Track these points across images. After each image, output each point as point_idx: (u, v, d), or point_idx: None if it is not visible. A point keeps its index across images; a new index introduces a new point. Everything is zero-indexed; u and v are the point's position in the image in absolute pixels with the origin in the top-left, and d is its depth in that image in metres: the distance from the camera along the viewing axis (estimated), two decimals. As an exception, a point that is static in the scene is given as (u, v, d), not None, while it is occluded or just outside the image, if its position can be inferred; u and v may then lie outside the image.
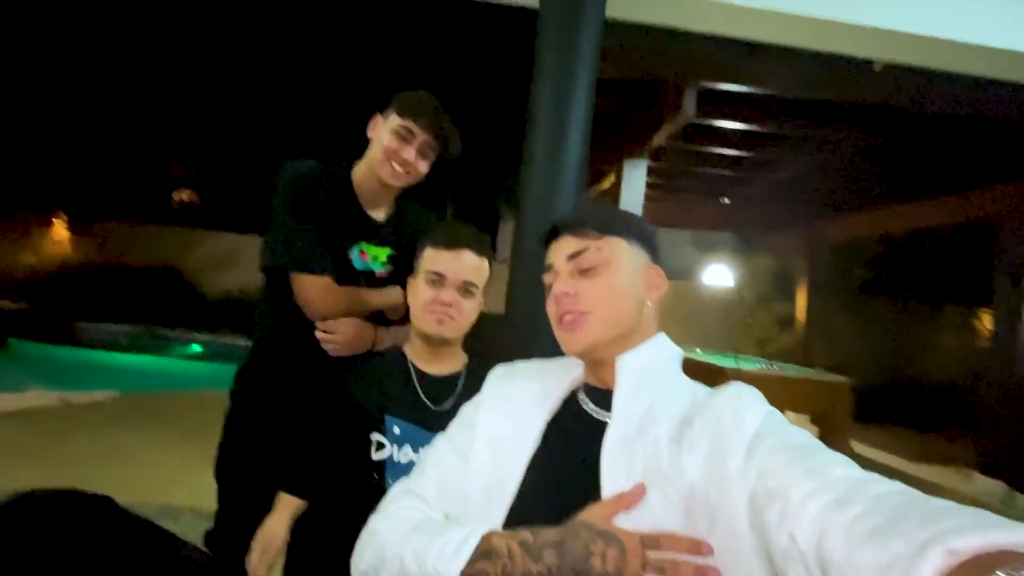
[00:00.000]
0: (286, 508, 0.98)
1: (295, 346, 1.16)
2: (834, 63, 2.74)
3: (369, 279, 1.22)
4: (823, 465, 0.50)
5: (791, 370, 5.00)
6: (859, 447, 5.05)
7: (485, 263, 1.02)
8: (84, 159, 8.56)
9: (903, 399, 6.99)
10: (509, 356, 1.52)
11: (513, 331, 1.65)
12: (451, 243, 0.98)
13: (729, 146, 4.12)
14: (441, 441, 0.77)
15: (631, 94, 3.62)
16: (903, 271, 7.32)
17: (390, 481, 0.94)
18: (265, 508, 0.99)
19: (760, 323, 7.73)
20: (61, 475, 2.63)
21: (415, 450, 0.95)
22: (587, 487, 0.60)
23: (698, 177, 5.07)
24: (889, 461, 4.91)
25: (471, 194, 8.41)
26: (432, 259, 0.99)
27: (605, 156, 4.57)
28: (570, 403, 0.71)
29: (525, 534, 0.57)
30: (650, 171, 4.60)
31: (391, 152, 1.14)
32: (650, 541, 0.53)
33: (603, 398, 0.67)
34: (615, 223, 0.71)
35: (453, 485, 0.70)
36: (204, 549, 0.75)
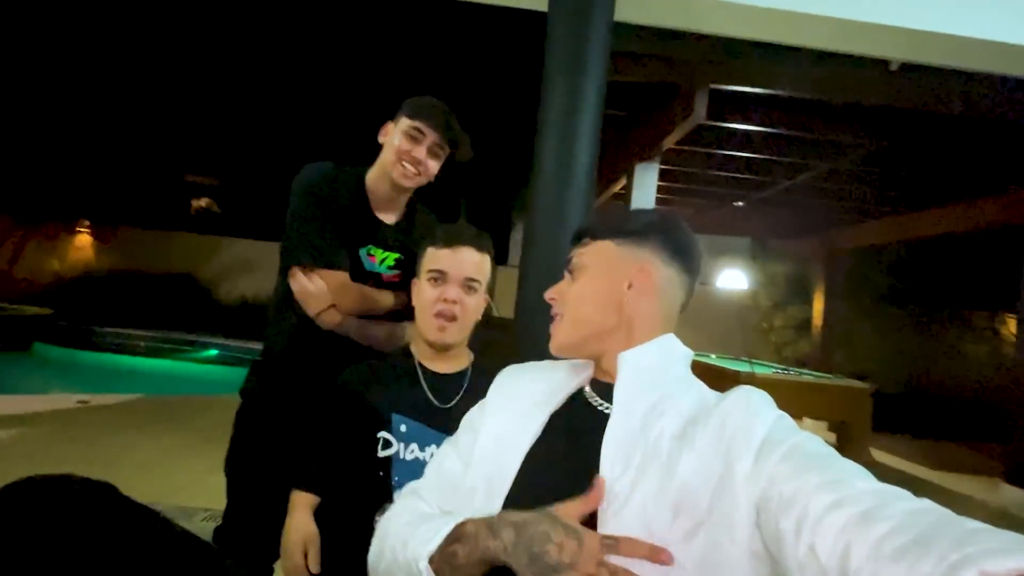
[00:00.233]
0: (304, 504, 0.99)
1: (308, 345, 1.18)
2: (849, 63, 2.71)
3: (376, 282, 1.23)
4: (844, 476, 0.48)
5: (808, 376, 4.91)
6: (879, 455, 4.93)
7: (486, 260, 1.03)
8: (107, 169, 8.80)
9: (926, 407, 6.82)
10: (520, 360, 1.54)
11: (523, 335, 1.65)
12: (451, 241, 1.00)
13: (743, 149, 4.09)
14: (446, 444, 0.79)
15: (643, 97, 3.62)
16: (926, 277, 7.17)
17: (396, 479, 0.94)
18: (273, 503, 1.00)
19: (777, 328, 7.62)
20: (81, 475, 2.68)
21: (421, 448, 0.95)
22: (587, 477, 0.59)
23: (712, 181, 5.03)
24: (911, 470, 4.79)
25: (485, 201, 8.46)
26: (433, 258, 1.00)
27: (617, 159, 4.56)
28: (576, 397, 0.72)
29: (493, 516, 0.59)
30: (663, 174, 4.58)
31: (402, 152, 1.18)
32: (609, 542, 0.53)
33: (608, 391, 0.67)
34: (604, 227, 0.73)
35: (453, 484, 0.72)
36: (216, 548, 0.75)
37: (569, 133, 1.70)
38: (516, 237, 8.30)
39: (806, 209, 5.76)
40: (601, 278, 0.70)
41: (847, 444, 4.32)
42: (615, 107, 3.69)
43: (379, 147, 1.24)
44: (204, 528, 1.23)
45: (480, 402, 0.79)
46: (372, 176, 1.24)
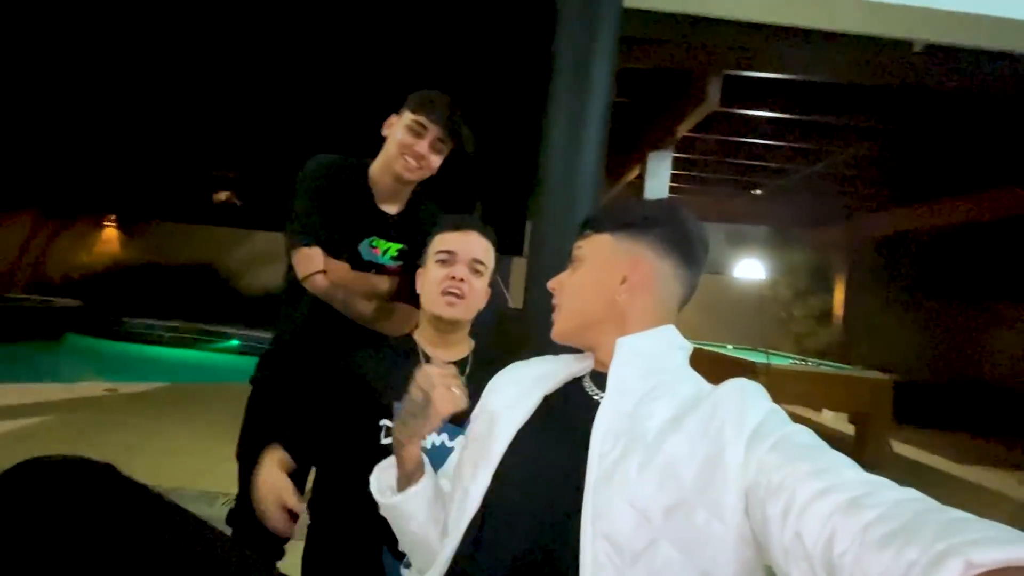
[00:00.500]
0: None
1: (316, 335, 1.21)
2: (870, 45, 2.63)
3: (379, 272, 1.25)
4: (832, 465, 0.49)
5: (827, 367, 4.83)
6: (902, 448, 4.84)
7: (491, 248, 1.06)
8: (133, 164, 9.02)
9: (951, 400, 6.65)
10: (531, 347, 1.55)
11: (532, 323, 1.66)
12: (458, 225, 1.04)
13: (759, 136, 4.01)
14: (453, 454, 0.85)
15: (656, 85, 3.57)
16: (953, 266, 6.95)
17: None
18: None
19: (796, 319, 7.49)
20: (109, 459, 2.79)
21: (422, 436, 0.97)
22: (575, 458, 0.61)
23: (728, 168, 4.94)
24: (935, 463, 4.69)
25: (500, 191, 8.44)
26: (441, 241, 1.04)
27: (630, 148, 4.51)
28: (574, 385, 0.73)
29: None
30: (678, 163, 4.52)
31: (405, 146, 1.19)
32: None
33: (605, 381, 0.68)
34: (603, 219, 0.73)
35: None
36: (213, 526, 0.78)
37: (578, 121, 1.69)
38: (531, 228, 8.27)
39: (826, 196, 5.62)
40: (596, 270, 0.71)
41: (867, 436, 4.25)
42: (627, 95, 3.64)
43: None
44: (225, 512, 1.28)
45: (485, 389, 0.81)
46: (376, 168, 1.25)
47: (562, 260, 1.58)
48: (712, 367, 4.54)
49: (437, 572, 0.65)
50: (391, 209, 1.27)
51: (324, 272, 1.17)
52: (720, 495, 0.52)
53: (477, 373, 0.99)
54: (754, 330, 6.83)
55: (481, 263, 1.03)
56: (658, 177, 3.88)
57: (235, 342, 7.51)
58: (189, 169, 9.73)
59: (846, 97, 3.42)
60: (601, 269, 0.70)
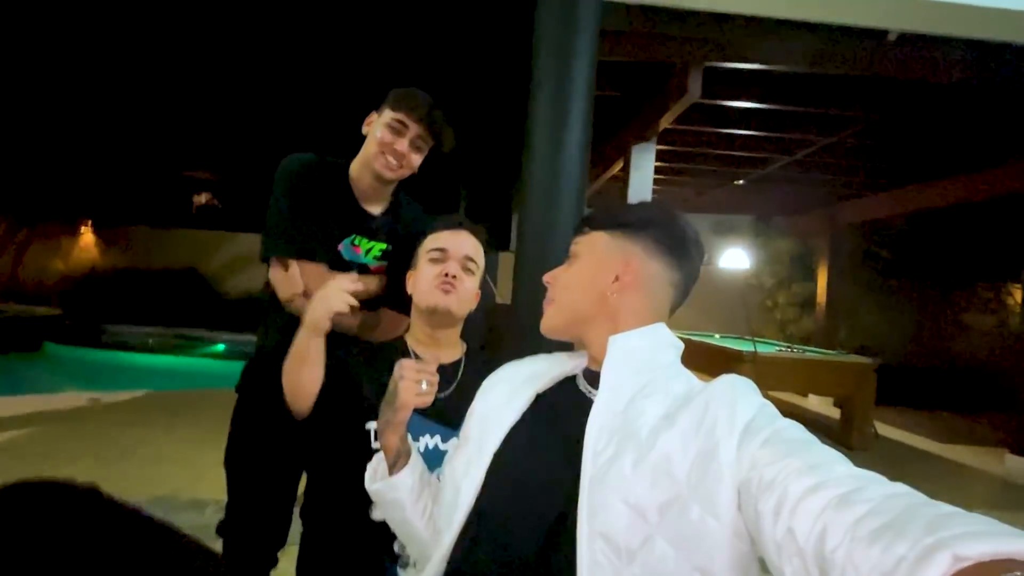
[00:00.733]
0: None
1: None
2: (846, 35, 2.66)
3: (362, 272, 1.23)
4: (823, 461, 0.49)
5: (812, 353, 4.91)
6: (884, 428, 4.95)
7: (481, 247, 1.08)
8: (107, 168, 8.80)
9: (931, 380, 6.82)
10: (518, 342, 1.54)
11: (520, 318, 1.66)
12: (450, 225, 1.06)
13: (740, 127, 4.04)
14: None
15: (637, 77, 3.57)
16: (930, 250, 7.11)
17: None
18: (273, 496, 1.02)
19: (781, 306, 7.60)
20: (94, 471, 2.74)
21: (415, 438, 0.96)
22: (569, 457, 0.61)
23: (711, 160, 4.98)
24: (915, 442, 4.81)
25: (485, 187, 8.41)
26: (434, 240, 1.05)
27: (613, 141, 4.52)
28: (567, 383, 0.74)
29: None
30: (662, 155, 4.54)
31: (384, 144, 1.17)
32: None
33: (598, 380, 0.68)
34: (600, 218, 0.74)
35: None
36: (197, 539, 0.76)
37: (561, 114, 1.68)
38: (517, 222, 8.26)
39: (808, 185, 5.70)
40: (589, 268, 0.72)
41: (851, 419, 4.34)
42: (609, 88, 3.65)
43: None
44: (216, 520, 1.26)
45: (478, 390, 0.82)
46: (355, 167, 1.24)
47: (549, 254, 1.59)
48: (700, 357, 4.60)
49: (432, 571, 0.65)
50: (374, 209, 1.25)
51: (304, 294, 1.16)
52: (714, 491, 0.53)
53: (470, 375, 0.99)
54: (740, 319, 6.91)
55: (473, 261, 1.04)
56: (642, 169, 3.90)
57: (220, 346, 7.41)
58: (166, 172, 9.52)
59: (824, 87, 3.47)
60: (594, 266, 0.71)
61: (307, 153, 1.24)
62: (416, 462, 0.78)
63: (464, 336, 1.10)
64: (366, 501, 0.91)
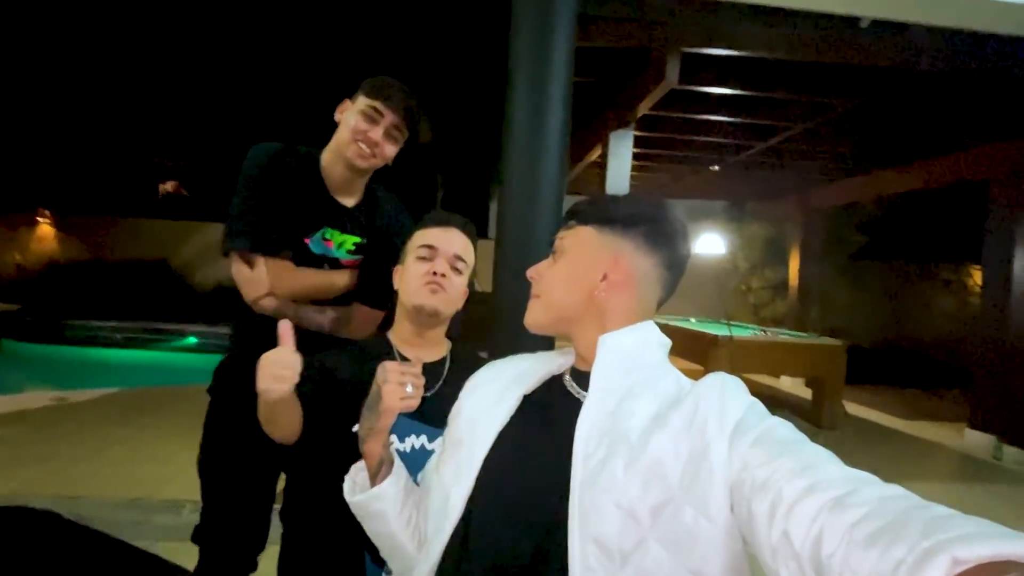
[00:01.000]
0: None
1: (273, 342, 1.14)
2: (820, 22, 2.69)
3: (334, 266, 1.19)
4: (816, 462, 0.49)
5: (786, 336, 5.04)
6: (853, 407, 5.13)
7: (471, 246, 1.05)
8: (64, 155, 8.40)
9: (897, 360, 7.09)
10: (499, 331, 1.54)
11: (500, 307, 1.65)
12: (440, 222, 1.03)
13: (717, 113, 4.07)
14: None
15: (614, 64, 3.55)
16: (896, 234, 7.35)
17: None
18: (250, 501, 0.99)
19: (755, 290, 7.77)
20: (62, 475, 2.65)
21: (401, 439, 0.94)
22: (559, 460, 0.60)
23: (688, 146, 5.01)
24: (882, 420, 5.01)
25: (463, 175, 8.33)
26: (422, 237, 1.02)
27: (591, 128, 4.51)
28: (554, 383, 0.72)
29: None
30: (639, 141, 4.55)
31: (358, 132, 1.13)
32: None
33: (587, 380, 0.67)
34: (589, 211, 0.72)
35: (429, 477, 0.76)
36: (161, 557, 0.73)
37: (539, 101, 1.66)
38: (495, 210, 8.23)
39: (782, 171, 5.79)
40: (577, 265, 0.70)
41: (822, 399, 4.49)
42: (587, 74, 3.62)
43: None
44: (193, 520, 1.23)
45: (461, 391, 0.80)
46: (327, 157, 1.19)
47: (529, 242, 1.57)
48: (678, 341, 4.64)
49: None
50: (347, 200, 1.21)
51: (270, 294, 1.12)
52: (706, 492, 0.52)
53: (455, 374, 0.98)
54: (715, 303, 7.04)
55: (461, 260, 1.02)
56: (620, 156, 3.90)
57: (192, 339, 7.21)
58: (129, 159, 9.14)
59: (799, 74, 3.51)
60: (582, 264, 0.69)
61: (274, 142, 1.19)
62: (399, 470, 0.76)
63: (448, 335, 1.09)
64: (344, 507, 0.89)
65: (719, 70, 3.45)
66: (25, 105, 7.42)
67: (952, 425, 4.76)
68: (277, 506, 1.19)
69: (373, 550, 0.80)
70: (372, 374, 0.98)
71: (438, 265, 0.99)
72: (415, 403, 0.74)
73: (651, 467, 0.55)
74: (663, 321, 5.04)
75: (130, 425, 3.50)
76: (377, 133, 1.14)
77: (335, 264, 1.19)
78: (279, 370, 0.79)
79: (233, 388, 1.19)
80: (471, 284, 1.07)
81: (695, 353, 4.47)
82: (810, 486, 0.46)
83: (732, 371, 0.64)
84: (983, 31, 2.73)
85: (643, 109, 3.55)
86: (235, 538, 1.06)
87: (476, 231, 1.08)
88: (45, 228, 8.79)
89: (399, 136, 1.18)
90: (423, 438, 0.95)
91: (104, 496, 2.39)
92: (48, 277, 8.42)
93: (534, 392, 0.72)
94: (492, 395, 0.72)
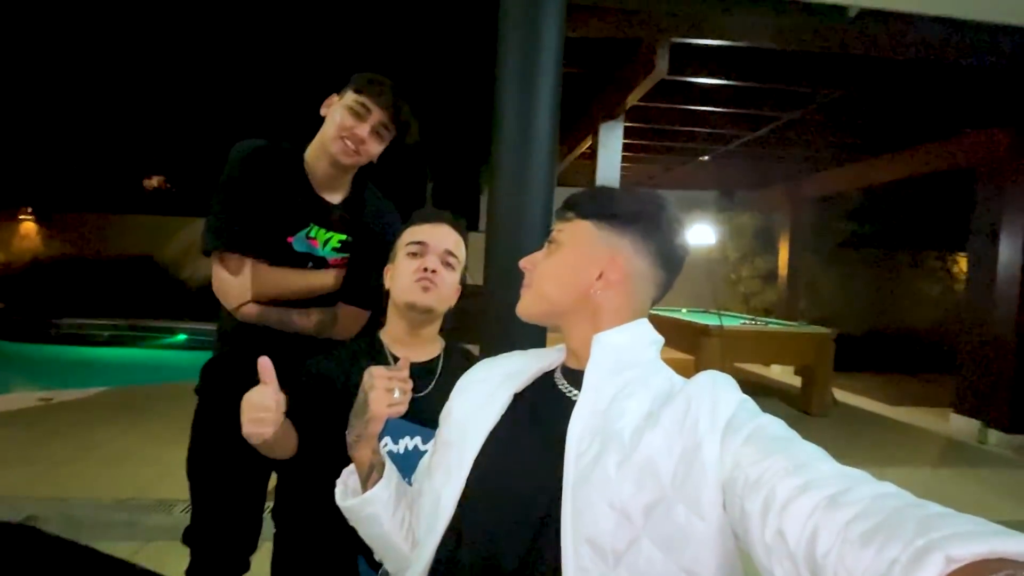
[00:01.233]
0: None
1: (260, 338, 1.12)
2: (807, 12, 2.69)
3: (319, 265, 1.17)
4: (808, 459, 0.49)
5: (775, 325, 5.09)
6: (841, 394, 5.21)
7: (462, 241, 1.04)
8: (46, 152, 8.24)
9: (884, 346, 7.19)
10: (490, 325, 1.53)
11: (491, 300, 1.64)
12: (431, 218, 1.02)
13: (706, 103, 4.07)
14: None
15: (604, 54, 3.53)
16: (883, 222, 7.42)
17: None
18: (241, 502, 0.98)
19: (744, 279, 7.83)
20: (50, 476, 2.62)
21: (395, 441, 0.94)
22: (551, 460, 0.60)
23: (677, 136, 5.01)
24: (869, 406, 5.08)
25: (453, 168, 8.27)
26: (413, 233, 1.01)
27: (581, 119, 4.49)
28: (545, 381, 0.72)
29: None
30: (629, 132, 4.54)
31: (344, 128, 1.11)
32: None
33: (577, 377, 0.67)
34: (588, 205, 0.70)
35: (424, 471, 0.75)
36: (145, 568, 0.72)
37: (529, 92, 1.64)
38: (485, 203, 8.20)
39: (771, 160, 5.82)
40: (573, 260, 0.68)
41: (811, 386, 4.54)
42: (576, 65, 3.60)
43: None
44: (184, 520, 1.21)
45: (452, 392, 0.79)
46: (311, 153, 1.17)
47: (519, 235, 1.56)
48: (669, 332, 4.69)
49: None
50: (332, 197, 1.19)
51: (252, 301, 1.10)
52: (698, 491, 0.52)
53: (448, 373, 0.97)
54: (706, 292, 7.09)
55: (453, 255, 1.01)
56: (610, 147, 3.89)
57: (181, 336, 7.14)
58: (113, 155, 8.98)
59: (788, 64, 3.51)
60: (578, 260, 0.68)
61: (257, 139, 1.17)
62: (391, 473, 0.75)
63: (441, 332, 1.08)
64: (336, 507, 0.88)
65: (709, 60, 3.44)
66: (7, 102, 7.24)
67: (938, 410, 4.84)
68: (270, 504, 1.18)
69: (368, 552, 0.79)
70: (362, 375, 0.97)
71: (429, 261, 0.98)
72: (403, 409, 0.73)
73: (643, 466, 0.55)
74: (653, 312, 5.05)
75: (119, 424, 3.46)
76: (364, 130, 1.12)
77: (320, 263, 1.17)
78: (260, 413, 0.77)
79: (221, 387, 1.17)
80: (462, 278, 1.06)
81: (686, 343, 4.50)
82: (803, 484, 0.46)
83: (723, 360, 0.64)
84: (969, 20, 2.74)
85: (633, 100, 3.53)
86: (226, 539, 1.05)
87: (467, 225, 1.07)
88: (28, 225, 8.63)
89: (386, 134, 1.15)
90: (417, 439, 0.94)
91: (93, 497, 2.37)
92: (32, 275, 8.28)
93: (525, 391, 0.71)
94: (483, 394, 0.72)
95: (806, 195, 6.72)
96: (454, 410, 0.74)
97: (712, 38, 2.88)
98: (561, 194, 0.87)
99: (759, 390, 5.43)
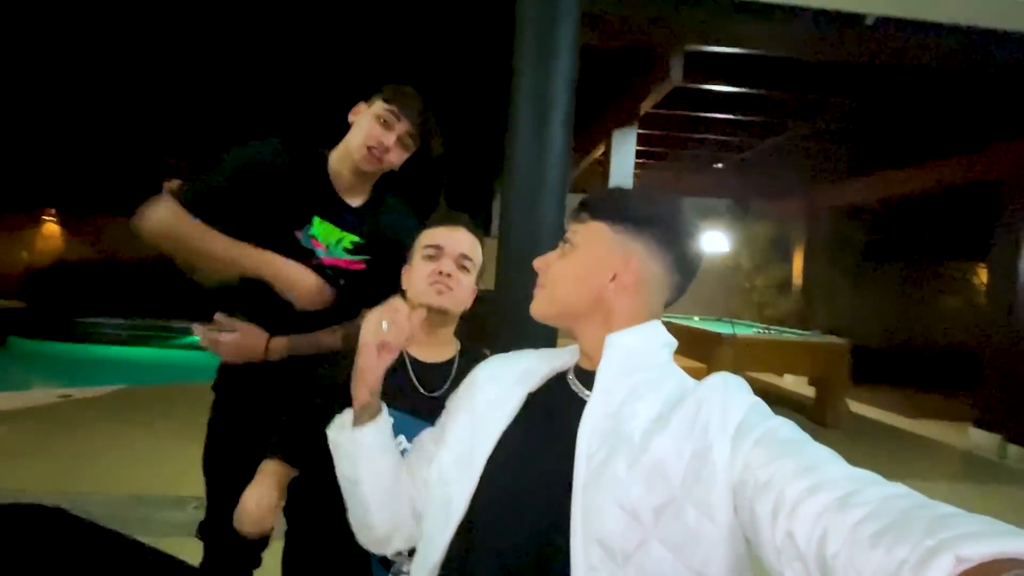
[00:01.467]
0: (273, 473, 0.98)
1: (271, 329, 1.15)
2: (824, 20, 2.67)
3: (335, 271, 1.18)
4: (818, 462, 0.49)
5: (789, 334, 5.02)
6: (858, 407, 5.12)
7: (479, 244, 1.05)
8: (68, 155, 8.45)
9: (903, 359, 7.05)
10: (502, 330, 1.54)
11: (503, 305, 1.65)
12: (447, 221, 1.03)
13: (720, 111, 4.05)
14: (426, 429, 0.82)
15: (619, 62, 3.55)
16: (902, 234, 7.30)
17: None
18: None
19: (758, 288, 7.75)
20: (68, 472, 2.67)
21: (409, 439, 0.94)
22: (562, 460, 0.60)
23: (691, 144, 5.00)
24: (887, 419, 4.99)
25: (466, 173, 8.32)
26: (429, 236, 1.02)
27: (595, 126, 4.50)
28: (558, 382, 0.72)
29: None
30: (643, 139, 4.54)
31: (370, 136, 1.13)
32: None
33: (589, 378, 0.67)
34: (603, 207, 0.70)
35: (426, 465, 0.75)
36: (167, 553, 0.74)
37: (543, 99, 1.66)
38: (498, 208, 8.23)
39: (786, 169, 5.77)
40: (587, 263, 0.68)
41: (826, 398, 4.47)
42: (591, 72, 3.61)
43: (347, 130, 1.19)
44: (197, 516, 1.24)
45: (462, 383, 0.80)
46: (336, 156, 1.19)
47: (532, 241, 1.57)
48: (681, 340, 4.63)
49: None
50: (353, 200, 1.21)
51: (280, 337, 1.12)
52: (708, 493, 0.52)
53: (463, 374, 0.97)
54: (719, 301, 7.03)
55: (468, 259, 1.02)
56: (623, 154, 3.89)
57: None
58: (133, 158, 9.19)
59: (803, 72, 3.49)
60: (592, 262, 0.68)
61: (284, 138, 1.20)
62: (384, 428, 0.75)
63: (457, 334, 1.09)
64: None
65: (722, 68, 3.43)
66: (31, 106, 7.46)
67: (957, 424, 4.74)
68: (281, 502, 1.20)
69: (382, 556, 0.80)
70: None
71: (444, 265, 0.99)
72: (393, 341, 0.73)
73: (653, 467, 0.55)
74: (666, 319, 5.02)
75: (135, 422, 3.53)
76: (389, 139, 1.14)
77: (320, 267, 1.17)
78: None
79: (236, 384, 1.20)
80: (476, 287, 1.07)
81: (699, 352, 4.47)
82: (813, 486, 0.46)
83: (735, 370, 0.64)
84: (991, 28, 2.70)
85: (646, 107, 3.54)
86: (238, 533, 1.06)
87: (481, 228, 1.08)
88: (51, 227, 8.85)
89: (410, 144, 1.18)
90: (400, 437, 0.95)
91: (109, 492, 2.41)
92: (54, 275, 8.48)
93: (538, 391, 0.71)
94: (495, 392, 0.72)
95: (822, 205, 6.65)
96: (463, 407, 0.74)
97: (726, 46, 2.88)
98: (574, 200, 0.87)
99: (772, 400, 5.32)
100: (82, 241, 8.74)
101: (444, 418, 0.78)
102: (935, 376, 6.70)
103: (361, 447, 0.73)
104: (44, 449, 2.97)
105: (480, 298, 1.09)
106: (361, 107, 1.18)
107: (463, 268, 1.01)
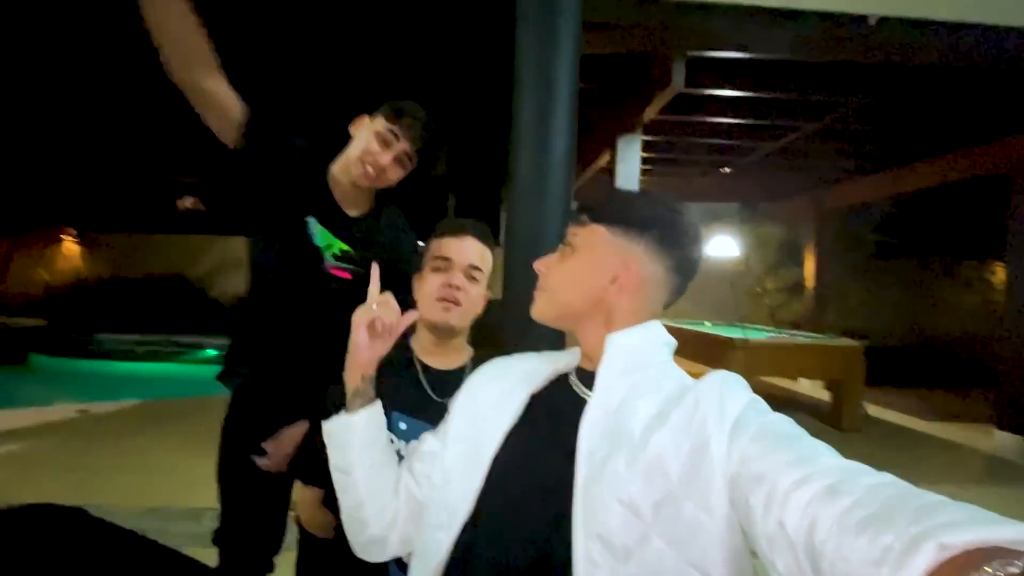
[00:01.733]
0: (313, 500, 1.01)
1: (283, 358, 1.16)
2: (827, 21, 2.67)
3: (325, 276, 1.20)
4: (811, 454, 0.49)
5: (802, 337, 4.97)
6: (875, 409, 5.03)
7: (488, 251, 1.04)
8: (88, 175, 8.66)
9: (919, 359, 6.93)
10: (507, 340, 1.55)
11: (510, 314, 1.66)
12: (455, 230, 1.02)
13: (725, 115, 4.06)
14: (429, 432, 0.82)
15: (621, 69, 3.57)
16: (915, 232, 7.21)
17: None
18: (267, 504, 1.01)
19: (770, 292, 7.68)
20: (88, 484, 2.71)
21: (418, 445, 0.96)
22: (565, 459, 0.61)
23: (697, 148, 5.00)
24: (905, 422, 4.89)
25: (473, 183, 8.38)
26: (437, 247, 1.02)
27: (600, 134, 4.52)
28: (560, 382, 0.73)
29: None
30: (648, 146, 4.55)
31: (368, 153, 1.13)
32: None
33: (592, 380, 0.68)
34: (602, 210, 0.71)
35: (428, 463, 0.75)
36: (185, 554, 0.75)
37: (546, 108, 1.67)
38: (504, 217, 8.27)
39: (794, 171, 5.74)
40: (586, 265, 0.69)
41: (841, 401, 4.40)
42: (593, 80, 3.64)
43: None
44: (212, 528, 1.25)
45: (463, 384, 0.81)
46: (337, 166, 1.20)
47: (537, 249, 1.58)
48: (692, 345, 4.63)
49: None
50: (351, 211, 1.22)
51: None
52: (706, 487, 0.53)
53: None
54: (730, 305, 6.98)
55: (478, 269, 1.01)
56: (628, 161, 3.91)
57: (212, 352, 7.33)
58: (148, 178, 9.38)
59: (807, 73, 3.49)
60: (592, 264, 0.69)
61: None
62: (377, 417, 0.76)
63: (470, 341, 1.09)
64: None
65: (725, 72, 3.44)
66: (49, 128, 7.66)
67: (979, 426, 4.63)
68: (293, 513, 1.21)
69: (398, 559, 0.80)
70: (391, 381, 0.99)
71: (453, 278, 0.98)
72: (385, 316, 0.75)
73: (652, 463, 0.56)
74: (677, 325, 5.01)
75: (151, 435, 3.58)
76: (386, 158, 1.13)
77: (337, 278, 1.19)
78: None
79: (252, 394, 1.22)
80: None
81: (710, 357, 4.43)
82: (803, 476, 0.46)
83: (747, 375, 0.64)
84: (994, 24, 2.69)
85: (650, 114, 3.55)
86: (252, 540, 1.08)
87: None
88: (70, 246, 9.05)
89: (408, 164, 1.17)
90: (399, 444, 0.96)
91: (124, 505, 2.44)
92: (73, 293, 8.66)
93: (541, 392, 0.72)
94: (498, 393, 0.73)
95: (832, 205, 6.60)
96: (466, 408, 0.75)
97: (727, 51, 2.89)
98: (579, 210, 0.88)
99: (787, 404, 5.28)
100: (100, 259, 8.93)
101: (446, 419, 0.79)
102: (954, 377, 6.56)
103: (353, 433, 0.73)
104: (61, 462, 3.02)
105: (490, 305, 1.10)
106: (364, 120, 1.18)
107: (472, 278, 1.00)
